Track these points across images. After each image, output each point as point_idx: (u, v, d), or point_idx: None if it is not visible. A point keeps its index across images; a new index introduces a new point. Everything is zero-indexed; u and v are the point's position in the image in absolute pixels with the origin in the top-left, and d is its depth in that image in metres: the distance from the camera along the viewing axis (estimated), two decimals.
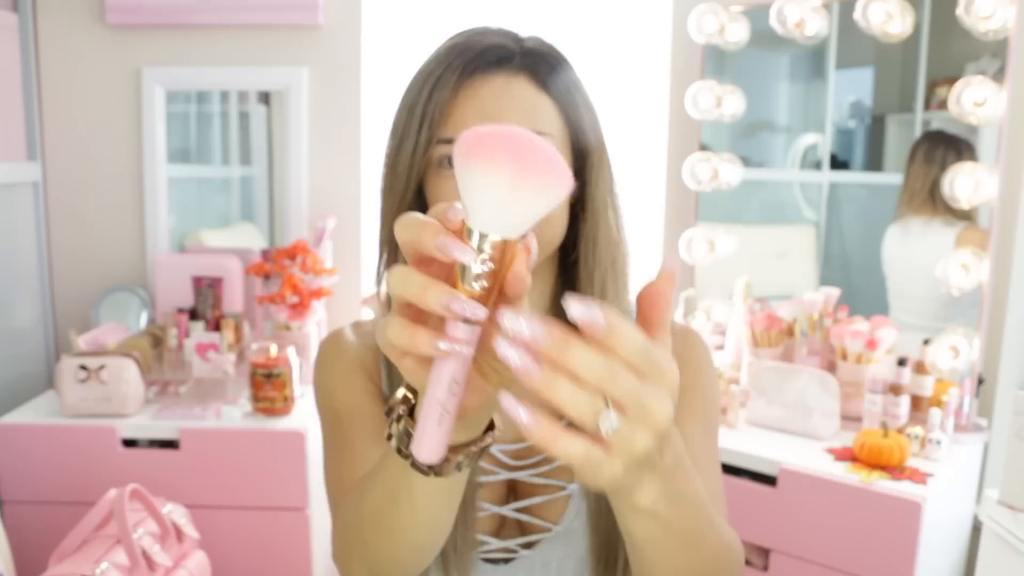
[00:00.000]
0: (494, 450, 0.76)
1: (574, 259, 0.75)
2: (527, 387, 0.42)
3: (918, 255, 1.89)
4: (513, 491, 0.77)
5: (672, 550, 0.54)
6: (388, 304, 0.49)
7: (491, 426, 0.54)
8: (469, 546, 0.73)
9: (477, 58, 0.68)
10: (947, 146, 1.83)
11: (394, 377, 0.76)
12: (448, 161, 0.68)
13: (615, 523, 0.72)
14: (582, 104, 0.72)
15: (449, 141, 0.68)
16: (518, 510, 0.76)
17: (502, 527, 0.76)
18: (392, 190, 0.71)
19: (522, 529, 0.77)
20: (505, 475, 0.76)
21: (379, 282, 0.77)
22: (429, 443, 0.45)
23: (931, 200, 1.83)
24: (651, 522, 0.51)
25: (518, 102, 0.68)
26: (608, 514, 0.74)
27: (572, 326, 0.76)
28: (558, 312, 0.80)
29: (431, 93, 0.67)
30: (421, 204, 0.74)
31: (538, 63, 0.70)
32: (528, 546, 0.76)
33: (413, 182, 0.70)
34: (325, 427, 0.77)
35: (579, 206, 0.73)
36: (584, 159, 0.73)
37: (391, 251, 0.74)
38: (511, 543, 0.75)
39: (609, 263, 0.74)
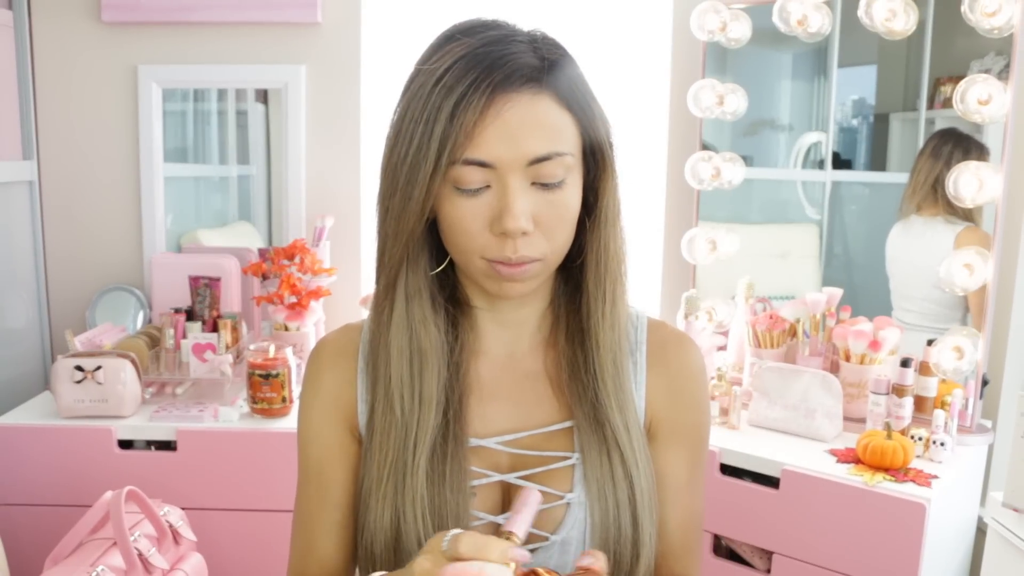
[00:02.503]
0: (491, 443, 0.75)
1: (579, 263, 0.76)
2: None
3: (919, 254, 1.88)
4: (508, 500, 0.75)
5: None
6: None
7: None
8: None
9: (505, 81, 0.65)
10: (956, 143, 1.81)
11: (377, 384, 0.75)
12: (468, 189, 0.67)
13: (615, 533, 0.73)
14: (598, 116, 0.72)
15: (470, 162, 0.66)
16: None
17: (495, 535, 0.75)
18: (405, 210, 0.69)
19: None
20: (497, 477, 0.75)
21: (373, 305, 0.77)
22: None
23: (933, 195, 1.82)
24: None
25: (542, 123, 0.67)
26: (608, 525, 0.73)
27: (568, 325, 0.76)
28: (555, 309, 0.79)
29: (454, 112, 0.65)
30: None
31: (560, 78, 0.69)
32: None
33: (430, 202, 0.68)
34: (300, 472, 0.81)
35: (588, 215, 0.74)
36: (597, 170, 0.73)
37: (392, 271, 0.73)
38: None
39: (618, 272, 0.75)
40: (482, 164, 0.66)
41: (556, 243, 0.70)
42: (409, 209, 0.69)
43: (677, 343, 0.81)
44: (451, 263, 0.76)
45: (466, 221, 0.68)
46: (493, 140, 0.66)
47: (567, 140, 0.69)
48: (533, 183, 0.68)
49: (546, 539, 0.74)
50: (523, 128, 0.66)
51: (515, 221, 0.66)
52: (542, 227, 0.68)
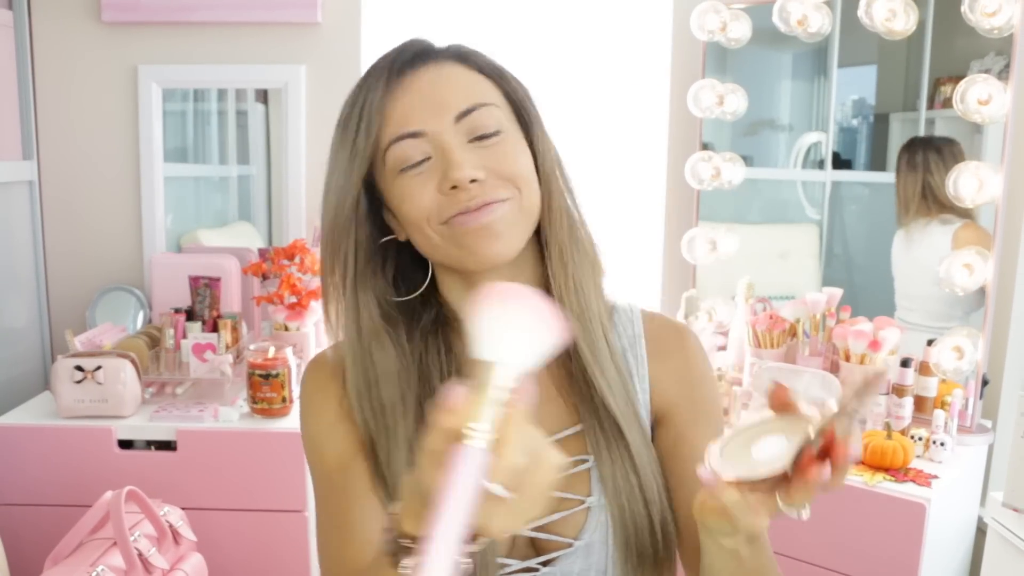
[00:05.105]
0: None
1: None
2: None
3: (920, 256, 1.89)
4: None
5: None
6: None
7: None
8: (491, 571, 0.70)
9: (399, 57, 0.68)
10: (925, 149, 1.84)
11: (372, 402, 0.72)
12: (410, 167, 0.68)
13: (633, 530, 0.72)
14: (514, 80, 0.73)
15: (400, 137, 0.67)
16: (537, 528, 0.73)
17: (514, 546, 0.74)
18: (339, 209, 0.70)
19: (536, 546, 0.74)
20: None
21: (328, 316, 0.75)
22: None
23: (924, 203, 1.84)
24: (731, 559, 0.61)
25: (455, 82, 0.68)
26: (627, 522, 0.72)
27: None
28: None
29: (364, 104, 0.68)
30: (374, 211, 0.73)
31: (463, 51, 0.71)
32: (547, 562, 0.73)
33: (353, 191, 0.69)
34: (317, 483, 0.75)
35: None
36: (528, 130, 0.73)
37: (341, 282, 0.72)
38: (532, 562, 0.73)
39: (566, 231, 0.73)
40: (412, 135, 0.67)
41: (520, 189, 0.69)
42: (343, 205, 0.69)
43: (675, 330, 0.81)
44: (430, 285, 0.76)
45: (415, 193, 0.68)
46: (413, 110, 0.67)
47: (486, 93, 0.70)
48: (470, 140, 0.68)
49: (570, 545, 0.72)
50: (436, 89, 0.68)
51: (459, 170, 0.66)
52: (495, 174, 0.68)
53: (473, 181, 0.66)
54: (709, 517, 0.60)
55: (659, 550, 0.73)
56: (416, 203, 0.68)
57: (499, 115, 0.69)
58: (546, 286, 0.75)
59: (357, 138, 0.67)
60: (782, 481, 0.56)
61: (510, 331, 0.49)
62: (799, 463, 0.55)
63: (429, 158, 0.67)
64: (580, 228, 0.75)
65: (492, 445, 0.46)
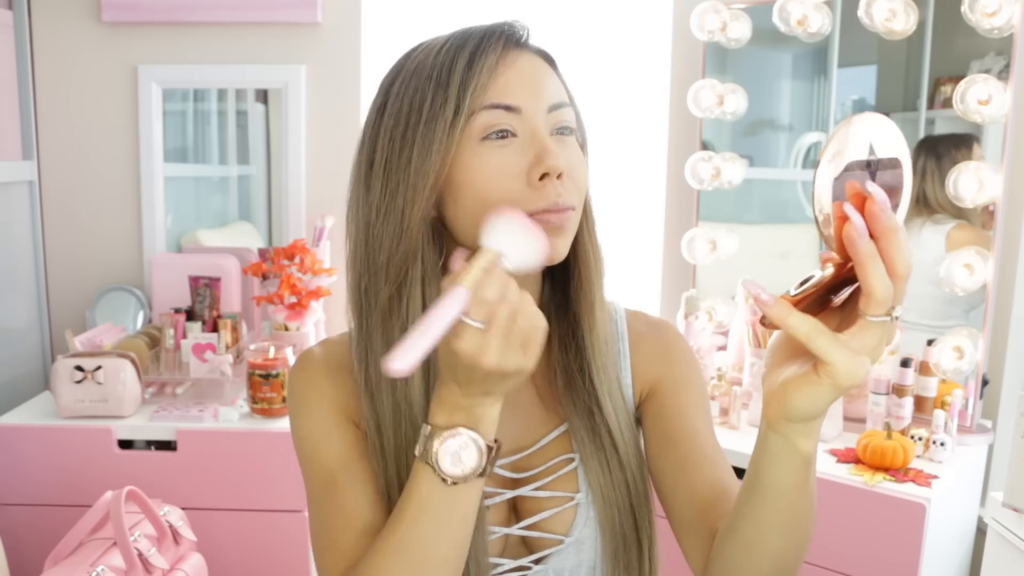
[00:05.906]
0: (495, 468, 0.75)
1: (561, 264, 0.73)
2: (858, 248, 0.49)
3: (917, 255, 1.89)
4: (514, 510, 0.76)
5: (800, 510, 0.59)
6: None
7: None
8: (484, 571, 0.71)
9: (512, 37, 0.68)
10: (928, 154, 1.85)
11: (376, 397, 0.70)
12: (496, 133, 0.64)
13: (622, 527, 0.74)
14: (576, 101, 0.73)
15: (496, 106, 0.64)
16: (527, 527, 0.74)
17: (506, 546, 0.75)
18: (421, 171, 0.64)
19: (528, 545, 0.75)
20: (510, 494, 0.75)
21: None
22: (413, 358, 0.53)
23: (916, 206, 1.85)
24: (803, 469, 0.57)
25: (551, 75, 0.69)
26: (615, 519, 0.74)
27: (560, 331, 0.73)
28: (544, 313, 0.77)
29: (472, 59, 0.64)
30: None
31: (550, 55, 0.72)
32: (539, 560, 0.75)
33: (450, 157, 0.64)
34: (313, 482, 0.72)
35: None
36: (582, 149, 0.73)
37: (408, 259, 0.66)
38: (525, 560, 0.74)
39: (588, 245, 0.73)
40: (508, 108, 0.65)
41: (582, 193, 0.69)
42: (425, 171, 0.64)
43: (655, 325, 0.83)
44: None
45: (504, 169, 0.64)
46: (514, 85, 0.66)
47: (567, 98, 0.70)
48: (551, 133, 0.67)
49: (561, 541, 0.74)
50: (537, 76, 0.67)
51: (556, 158, 0.64)
52: (570, 175, 0.67)
53: (559, 176, 0.65)
54: (798, 390, 0.52)
55: (643, 542, 0.75)
56: (506, 183, 0.64)
57: (575, 120, 0.70)
58: (544, 293, 0.76)
59: (463, 96, 0.63)
60: (852, 303, 0.52)
61: (509, 235, 0.58)
62: (842, 242, 0.50)
63: (515, 136, 0.65)
64: (596, 236, 0.75)
65: (472, 288, 0.55)
